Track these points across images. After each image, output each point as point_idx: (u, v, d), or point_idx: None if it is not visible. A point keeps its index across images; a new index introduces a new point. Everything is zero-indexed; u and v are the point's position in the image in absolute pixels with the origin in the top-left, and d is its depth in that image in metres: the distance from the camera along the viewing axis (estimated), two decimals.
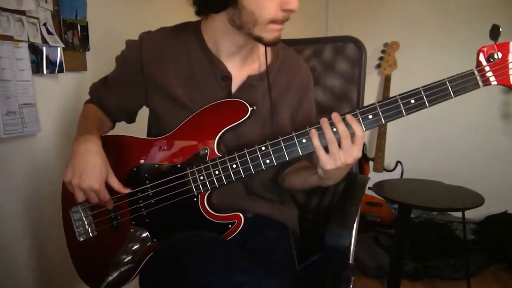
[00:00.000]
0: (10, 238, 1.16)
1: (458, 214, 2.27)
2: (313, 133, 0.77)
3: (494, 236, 2.32)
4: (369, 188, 1.91)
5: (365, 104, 0.85)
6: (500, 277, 2.15)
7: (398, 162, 2.64)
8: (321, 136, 0.77)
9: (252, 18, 0.77)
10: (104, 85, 1.01)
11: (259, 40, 0.82)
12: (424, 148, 2.77)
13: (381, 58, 2.79)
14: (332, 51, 1.18)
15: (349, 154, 0.75)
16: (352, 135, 0.75)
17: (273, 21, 0.78)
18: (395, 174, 2.63)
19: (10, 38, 1.05)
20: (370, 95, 2.82)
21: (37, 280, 1.25)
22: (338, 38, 1.19)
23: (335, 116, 0.76)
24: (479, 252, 2.27)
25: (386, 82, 2.70)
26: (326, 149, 0.76)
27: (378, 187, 1.91)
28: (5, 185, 1.13)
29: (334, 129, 0.76)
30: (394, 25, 2.78)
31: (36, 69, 1.14)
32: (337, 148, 0.75)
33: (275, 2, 0.76)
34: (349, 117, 0.76)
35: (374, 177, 2.44)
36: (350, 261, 1.12)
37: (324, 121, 0.76)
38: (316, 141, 0.76)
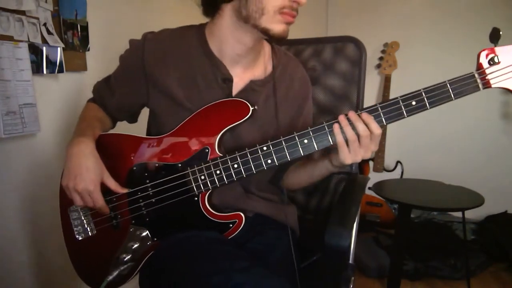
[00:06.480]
0: (9, 238, 1.16)
1: (458, 214, 2.27)
2: (337, 128, 0.78)
3: (494, 236, 2.31)
4: (369, 188, 1.91)
5: (365, 105, 0.85)
6: (500, 277, 2.15)
7: (398, 162, 2.65)
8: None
9: (259, 6, 0.78)
10: (107, 84, 1.01)
11: (266, 32, 0.81)
12: (424, 148, 2.77)
13: (381, 58, 2.79)
14: (332, 51, 1.18)
15: (368, 150, 0.78)
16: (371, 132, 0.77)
17: (281, 11, 0.79)
18: (395, 174, 2.63)
19: (10, 38, 1.05)
20: (370, 95, 2.83)
21: (37, 280, 1.25)
22: (338, 38, 1.19)
23: (352, 114, 0.77)
24: (479, 252, 2.26)
25: (386, 82, 2.70)
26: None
27: (378, 187, 1.91)
28: (5, 185, 1.13)
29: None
30: (394, 25, 2.78)
31: (36, 69, 1.14)
32: (358, 145, 0.78)
33: None
34: (365, 115, 0.77)
35: (374, 177, 2.44)
36: (350, 261, 1.12)
37: (342, 119, 0.77)
38: (340, 138, 0.78)
